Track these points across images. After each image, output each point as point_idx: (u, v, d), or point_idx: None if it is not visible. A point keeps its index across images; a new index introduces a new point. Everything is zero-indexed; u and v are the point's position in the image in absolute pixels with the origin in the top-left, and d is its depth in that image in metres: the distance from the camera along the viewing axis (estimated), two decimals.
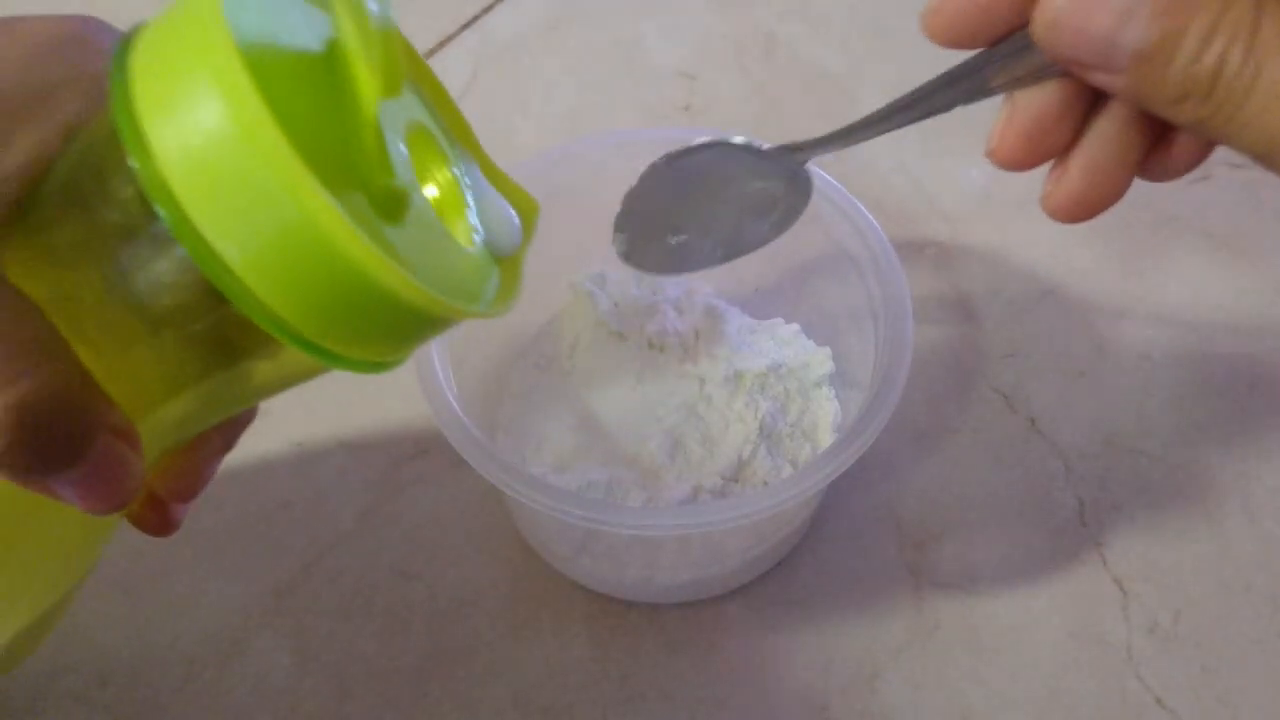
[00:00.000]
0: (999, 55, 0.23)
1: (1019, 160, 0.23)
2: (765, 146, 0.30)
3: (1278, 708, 0.36)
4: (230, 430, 0.26)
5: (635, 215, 0.33)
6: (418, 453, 0.42)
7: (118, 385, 0.21)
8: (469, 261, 0.23)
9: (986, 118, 0.26)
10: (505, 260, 0.25)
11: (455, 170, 0.24)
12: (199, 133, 0.18)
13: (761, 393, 0.37)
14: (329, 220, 0.18)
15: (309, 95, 0.19)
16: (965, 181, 0.49)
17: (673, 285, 0.41)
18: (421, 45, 0.55)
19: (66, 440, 0.20)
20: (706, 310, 0.39)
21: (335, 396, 0.44)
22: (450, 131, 0.25)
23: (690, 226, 0.33)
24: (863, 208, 0.36)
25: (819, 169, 0.36)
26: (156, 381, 0.22)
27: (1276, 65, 0.19)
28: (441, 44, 0.55)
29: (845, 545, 0.40)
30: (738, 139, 0.31)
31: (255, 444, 0.43)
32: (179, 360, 0.21)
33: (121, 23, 0.21)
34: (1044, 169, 0.24)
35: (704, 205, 0.33)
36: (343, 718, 0.37)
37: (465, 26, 0.56)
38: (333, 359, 0.20)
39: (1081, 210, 0.24)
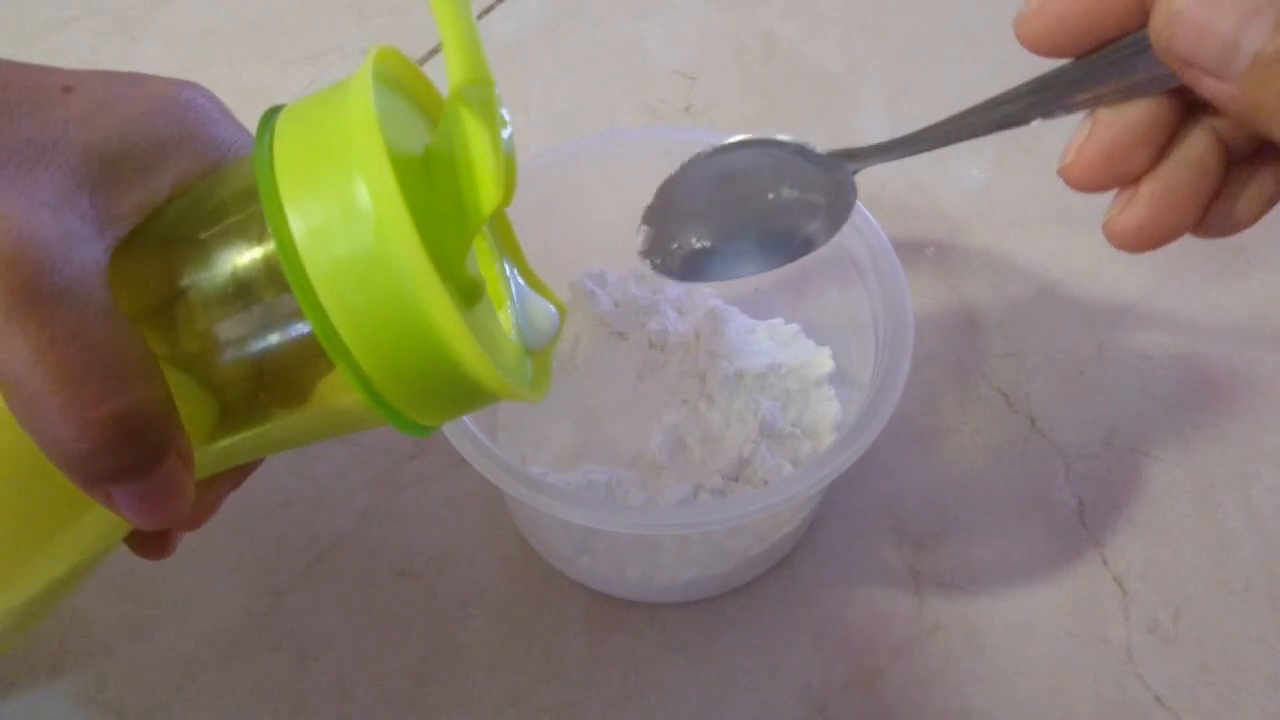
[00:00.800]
0: (1092, 67, 0.22)
1: (1093, 181, 0.23)
2: (818, 150, 0.29)
3: (1278, 708, 0.36)
4: (246, 468, 0.27)
5: (664, 211, 0.32)
6: (418, 453, 0.42)
7: (188, 414, 0.23)
8: (513, 349, 0.26)
9: None
10: (537, 353, 0.27)
11: (500, 266, 0.27)
12: (339, 214, 0.20)
13: (762, 392, 0.37)
14: (440, 307, 0.20)
15: (422, 191, 0.22)
16: (966, 181, 0.49)
17: (674, 285, 0.41)
18: (422, 45, 0.55)
19: (143, 456, 0.21)
20: (708, 311, 0.39)
21: None
22: (494, 229, 0.28)
23: (718, 230, 0.31)
24: (862, 207, 0.36)
25: None
26: (222, 417, 0.24)
27: None
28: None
29: (845, 545, 0.40)
30: (787, 138, 0.29)
31: None
32: (248, 403, 0.24)
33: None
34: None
35: (738, 208, 0.31)
36: (343, 718, 0.37)
37: None
38: (395, 418, 0.23)
39: (1146, 239, 0.23)
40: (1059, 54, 0.22)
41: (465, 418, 0.32)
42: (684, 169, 0.31)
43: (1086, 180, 0.23)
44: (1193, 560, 0.39)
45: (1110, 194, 0.24)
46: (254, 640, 0.38)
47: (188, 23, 0.57)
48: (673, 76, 0.54)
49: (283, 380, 0.23)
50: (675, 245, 0.32)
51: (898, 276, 0.35)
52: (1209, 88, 0.20)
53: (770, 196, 0.30)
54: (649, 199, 0.31)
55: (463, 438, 0.32)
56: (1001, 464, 0.41)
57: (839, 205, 0.30)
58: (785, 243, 0.31)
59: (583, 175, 0.39)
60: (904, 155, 0.27)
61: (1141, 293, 0.45)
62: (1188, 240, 0.47)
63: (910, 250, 0.47)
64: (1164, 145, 0.22)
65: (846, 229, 0.36)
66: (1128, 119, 0.22)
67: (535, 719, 0.37)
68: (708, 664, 0.38)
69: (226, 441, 0.24)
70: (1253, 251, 0.46)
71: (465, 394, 0.23)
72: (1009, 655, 0.37)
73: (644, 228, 0.32)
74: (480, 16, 0.56)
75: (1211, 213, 0.23)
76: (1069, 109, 0.23)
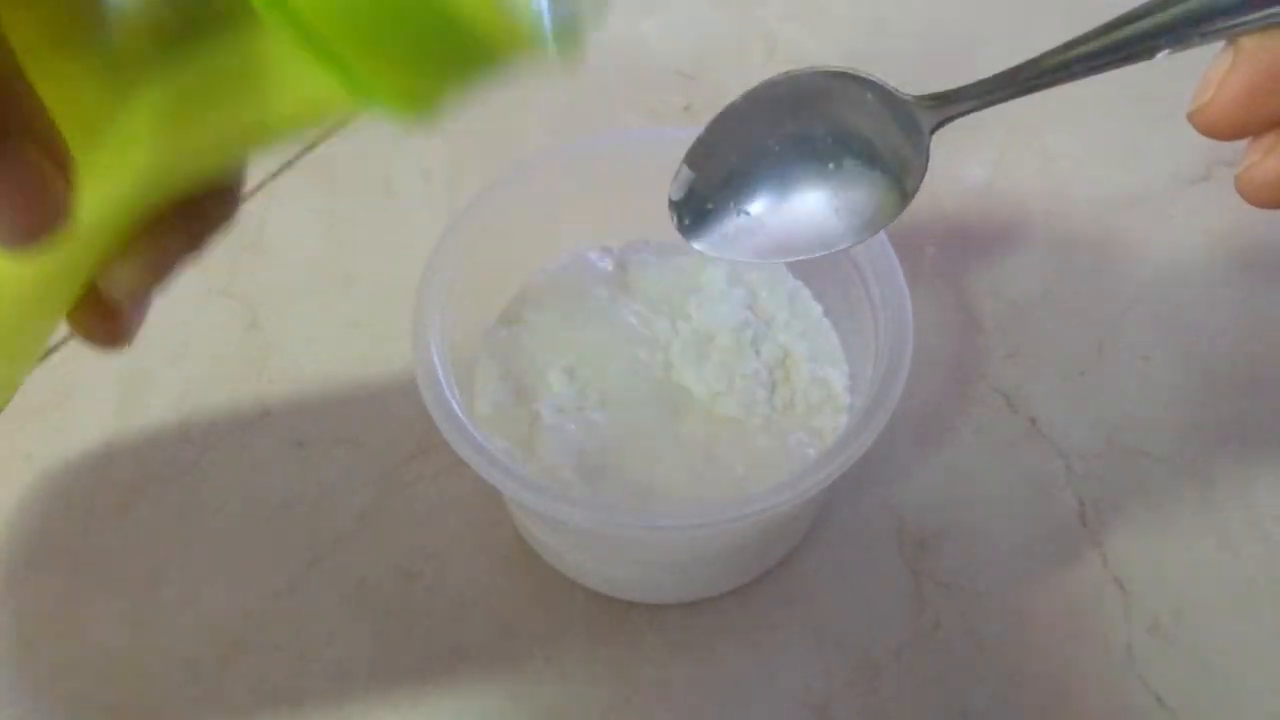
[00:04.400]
0: None
1: (1231, 123, 0.20)
2: (900, 94, 0.24)
3: (1278, 708, 0.36)
4: (198, 224, 0.22)
5: (712, 149, 0.26)
6: (418, 453, 0.42)
7: (58, 90, 0.17)
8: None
9: (987, 116, 0.26)
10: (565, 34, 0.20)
11: None
12: None
13: (754, 355, 0.37)
14: None
15: None
16: (966, 180, 0.49)
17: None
18: None
19: None
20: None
21: (335, 396, 0.44)
22: None
23: (770, 193, 0.26)
24: None
25: None
26: (107, 88, 0.17)
27: None
28: None
29: (845, 545, 0.40)
30: (868, 76, 0.24)
31: (255, 444, 0.43)
32: (136, 58, 0.17)
33: None
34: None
35: (799, 166, 0.26)
36: (343, 718, 0.37)
37: None
38: (348, 77, 0.15)
39: None
40: None
41: (465, 418, 0.32)
42: (747, 98, 0.26)
43: (1224, 122, 0.20)
44: (1193, 560, 0.39)
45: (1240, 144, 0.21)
46: (254, 640, 0.38)
47: None
48: (673, 76, 0.54)
49: (178, 25, 0.17)
50: (710, 206, 0.27)
51: (897, 276, 0.35)
52: None
53: (839, 161, 0.26)
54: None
55: (462, 438, 0.32)
56: (1001, 464, 0.41)
57: (908, 175, 0.25)
58: (844, 222, 0.26)
59: (581, 175, 0.38)
60: (1005, 99, 0.23)
61: (1141, 293, 0.45)
62: (1189, 240, 0.47)
63: (910, 250, 0.47)
64: None
65: None
66: (1278, 50, 0.19)
67: (535, 719, 0.37)
68: (708, 664, 0.38)
69: (128, 141, 0.18)
70: (1253, 251, 0.46)
71: (435, 26, 0.15)
72: (1009, 655, 0.37)
73: (684, 169, 0.27)
74: None
75: None
76: (1206, 36, 0.20)
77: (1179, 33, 0.20)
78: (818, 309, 0.39)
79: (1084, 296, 0.45)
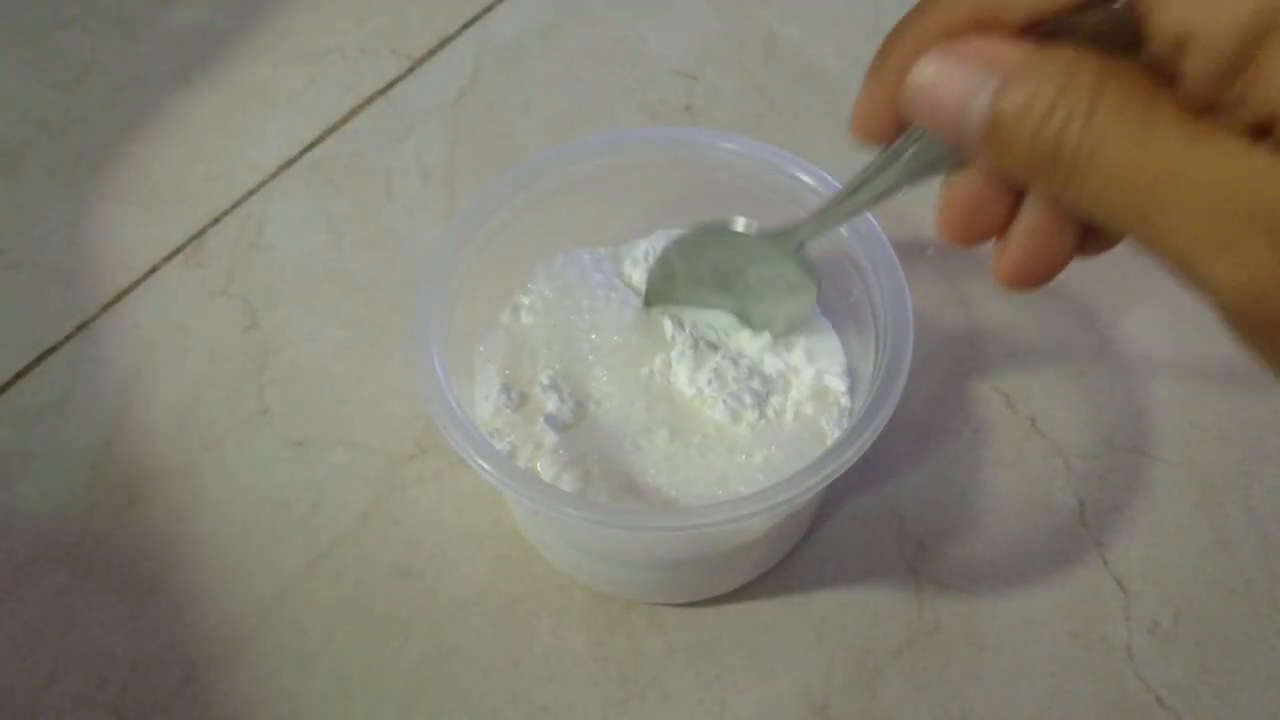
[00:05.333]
0: (911, 141, 0.24)
1: (963, 238, 0.24)
2: (751, 232, 0.33)
3: (1278, 708, 0.36)
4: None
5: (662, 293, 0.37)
6: (418, 453, 0.42)
7: None
8: None
9: None
10: None
11: None
12: None
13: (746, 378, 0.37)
14: None
15: None
16: None
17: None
18: (421, 45, 0.55)
19: None
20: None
21: (335, 396, 0.44)
22: None
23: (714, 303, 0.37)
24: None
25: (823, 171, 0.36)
26: None
27: (1113, 143, 0.19)
28: (441, 44, 0.55)
29: (845, 545, 0.40)
30: (739, 225, 0.33)
31: (255, 444, 0.43)
32: None
33: None
34: None
35: (722, 294, 0.36)
36: (343, 718, 0.37)
37: (465, 26, 0.56)
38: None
39: (1029, 277, 0.24)
40: (881, 142, 0.24)
41: (465, 418, 0.32)
42: (661, 260, 0.35)
43: (956, 238, 0.24)
44: (1193, 560, 0.39)
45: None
46: (254, 640, 0.38)
47: (188, 23, 0.57)
48: (673, 76, 0.54)
49: None
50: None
51: (898, 277, 0.35)
52: (968, 152, 0.22)
53: (745, 282, 0.35)
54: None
55: (462, 438, 0.32)
56: (1001, 464, 0.41)
57: (804, 284, 0.34)
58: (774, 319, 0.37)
59: (577, 175, 0.38)
60: (833, 227, 0.31)
61: (1141, 293, 0.45)
62: None
63: (910, 250, 0.47)
64: (1016, 194, 0.23)
65: (846, 229, 0.36)
66: (974, 177, 0.23)
67: (535, 719, 0.37)
68: (708, 664, 0.38)
69: None
70: None
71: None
72: (1009, 655, 0.37)
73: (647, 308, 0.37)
74: (480, 16, 0.56)
75: (1089, 235, 0.23)
76: (917, 179, 0.25)
77: (906, 181, 0.26)
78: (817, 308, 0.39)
79: (1084, 296, 0.45)
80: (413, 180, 0.50)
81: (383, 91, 0.54)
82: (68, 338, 0.46)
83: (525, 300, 0.39)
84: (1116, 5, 0.19)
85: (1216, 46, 0.17)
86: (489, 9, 0.57)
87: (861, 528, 0.40)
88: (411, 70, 0.54)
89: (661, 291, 0.37)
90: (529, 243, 0.39)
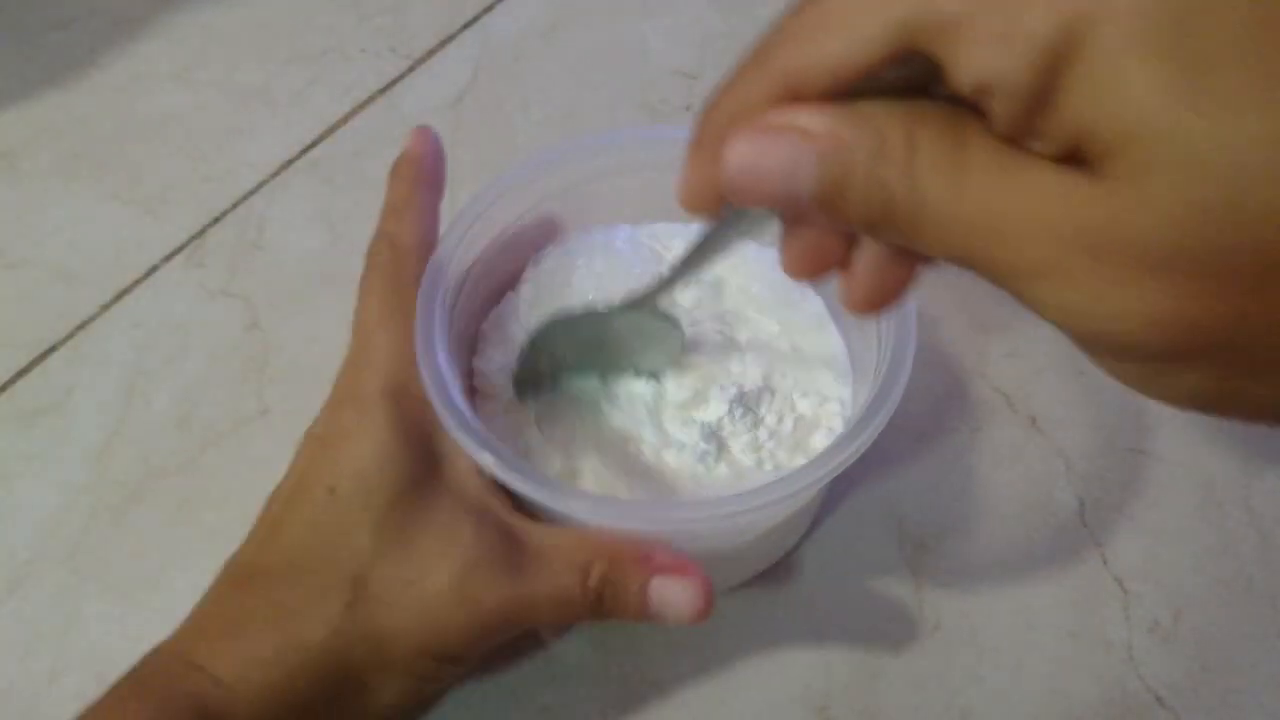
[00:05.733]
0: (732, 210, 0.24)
1: (807, 274, 0.24)
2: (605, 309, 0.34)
3: (1278, 707, 0.36)
4: None
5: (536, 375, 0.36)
6: None
7: None
8: None
9: None
10: None
11: None
12: None
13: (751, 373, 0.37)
14: None
15: None
16: None
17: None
18: (421, 45, 0.55)
19: None
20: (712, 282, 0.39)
21: None
22: None
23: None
24: None
25: None
26: None
27: (933, 189, 0.19)
28: (441, 44, 0.55)
29: (845, 545, 0.40)
30: (596, 308, 0.35)
31: (255, 444, 0.43)
32: None
33: None
34: None
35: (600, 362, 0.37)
36: None
37: (465, 26, 0.56)
38: None
39: (879, 301, 0.24)
40: (712, 214, 0.24)
41: (465, 409, 0.32)
42: (522, 356, 0.36)
43: (801, 275, 0.24)
44: (1193, 560, 0.39)
45: None
46: None
47: (188, 23, 0.57)
48: (673, 76, 0.54)
49: None
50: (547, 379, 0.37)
51: None
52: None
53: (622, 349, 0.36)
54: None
55: (463, 434, 0.32)
56: (1001, 464, 0.41)
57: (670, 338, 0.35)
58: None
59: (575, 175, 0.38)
60: (661, 294, 0.32)
61: None
62: None
63: None
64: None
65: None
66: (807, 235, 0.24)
67: (535, 719, 0.37)
68: (708, 664, 0.37)
69: None
70: None
71: None
72: (1009, 655, 0.37)
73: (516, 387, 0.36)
74: (480, 16, 0.56)
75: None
76: (755, 233, 0.26)
77: (736, 237, 0.27)
78: (819, 303, 0.39)
79: None
80: None
81: (383, 91, 0.54)
82: (68, 338, 0.46)
83: (526, 296, 0.39)
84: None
85: (1017, 91, 0.18)
86: (489, 9, 0.57)
87: (861, 527, 0.40)
88: (411, 70, 0.54)
89: (528, 382, 0.37)
90: (529, 238, 0.39)
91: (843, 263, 0.24)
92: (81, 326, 0.46)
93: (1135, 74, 0.17)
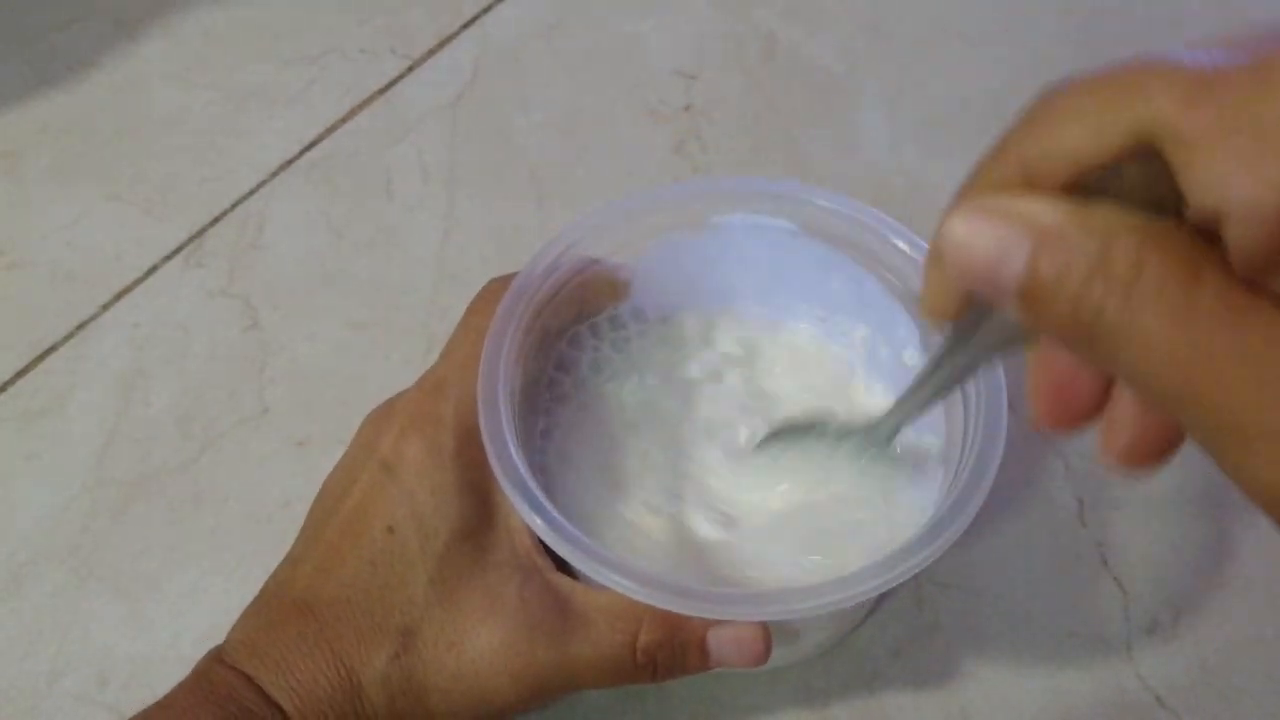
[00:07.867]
0: (980, 316, 0.23)
1: (1062, 421, 0.22)
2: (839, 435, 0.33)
3: (1278, 707, 0.36)
4: None
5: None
6: None
7: None
8: None
9: (980, 120, 0.26)
10: None
11: None
12: None
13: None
14: None
15: None
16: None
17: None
18: (421, 45, 0.55)
19: None
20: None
21: (335, 396, 0.44)
22: None
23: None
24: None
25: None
26: None
27: (1152, 318, 0.17)
28: (441, 44, 0.55)
29: None
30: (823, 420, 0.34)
31: (255, 444, 0.43)
32: None
33: None
34: None
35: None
36: None
37: (465, 26, 0.56)
38: None
39: (1147, 454, 0.22)
40: (948, 318, 0.23)
41: (522, 467, 0.31)
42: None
43: (1052, 422, 0.22)
44: (1193, 560, 0.39)
45: None
46: None
47: (188, 23, 0.57)
48: (673, 76, 0.54)
49: None
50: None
51: (996, 376, 0.33)
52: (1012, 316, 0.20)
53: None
54: None
55: (517, 495, 0.30)
56: (1002, 464, 0.41)
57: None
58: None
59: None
60: (895, 430, 0.32)
61: None
62: None
63: None
64: None
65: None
66: (1054, 353, 0.22)
67: (535, 718, 0.37)
68: None
69: None
70: None
71: None
72: (1009, 655, 0.37)
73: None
74: (480, 16, 0.56)
75: None
76: (993, 356, 0.24)
77: (978, 363, 0.25)
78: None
79: None
80: (413, 180, 0.50)
81: (383, 91, 0.54)
82: (68, 338, 0.46)
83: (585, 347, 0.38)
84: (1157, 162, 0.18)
85: (1256, 216, 0.16)
86: (489, 9, 0.57)
87: None
88: (411, 70, 0.54)
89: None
90: (593, 293, 0.37)
91: (1097, 407, 0.22)
92: (81, 326, 0.46)
93: None
